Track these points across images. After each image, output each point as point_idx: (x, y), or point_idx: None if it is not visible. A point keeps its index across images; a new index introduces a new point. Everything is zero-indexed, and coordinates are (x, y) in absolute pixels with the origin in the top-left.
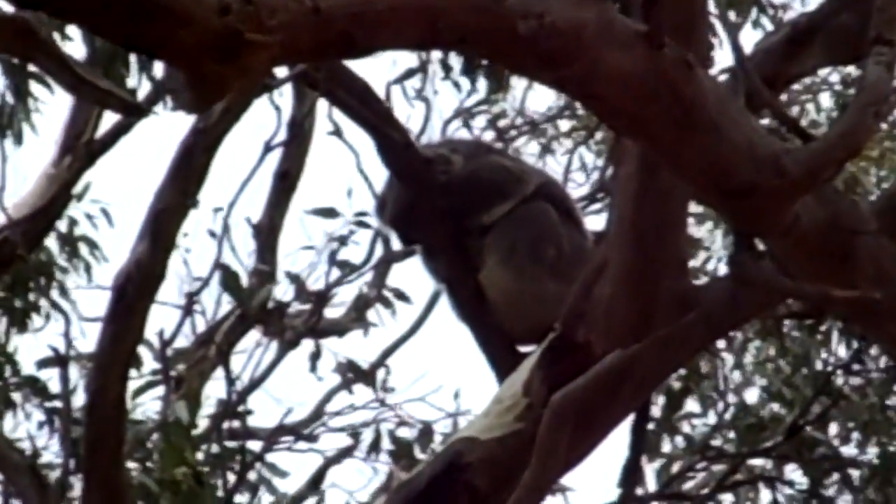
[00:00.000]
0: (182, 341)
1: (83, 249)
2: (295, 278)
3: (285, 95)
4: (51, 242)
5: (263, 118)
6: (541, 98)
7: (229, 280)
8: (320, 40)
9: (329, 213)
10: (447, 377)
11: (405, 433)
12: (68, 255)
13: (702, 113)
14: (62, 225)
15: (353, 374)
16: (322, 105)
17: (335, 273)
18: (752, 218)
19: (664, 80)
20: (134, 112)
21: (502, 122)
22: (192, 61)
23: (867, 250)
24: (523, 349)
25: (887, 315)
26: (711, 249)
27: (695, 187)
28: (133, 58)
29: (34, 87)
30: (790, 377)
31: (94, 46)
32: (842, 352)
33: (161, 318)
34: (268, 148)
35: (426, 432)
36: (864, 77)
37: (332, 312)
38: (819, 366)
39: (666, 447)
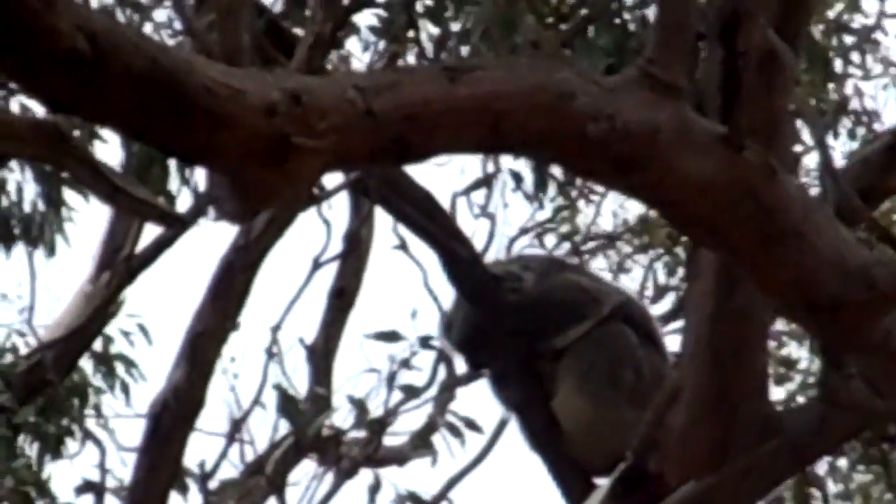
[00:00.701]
0: (231, 472)
1: (119, 369)
2: (357, 403)
3: (337, 207)
4: (85, 362)
5: (313, 232)
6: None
7: (287, 404)
8: (374, 145)
9: (391, 336)
10: None
11: None
12: (104, 374)
13: (786, 221)
14: (97, 343)
15: None
16: (383, 217)
17: (395, 398)
18: (840, 334)
19: (745, 185)
20: (173, 223)
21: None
22: (236, 167)
23: None
24: (598, 480)
25: None
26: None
27: (779, 302)
28: (173, 162)
29: (68, 194)
30: None
31: (130, 150)
32: None
33: (206, 449)
34: (317, 264)
35: None
36: None
37: (393, 440)
38: None
39: None
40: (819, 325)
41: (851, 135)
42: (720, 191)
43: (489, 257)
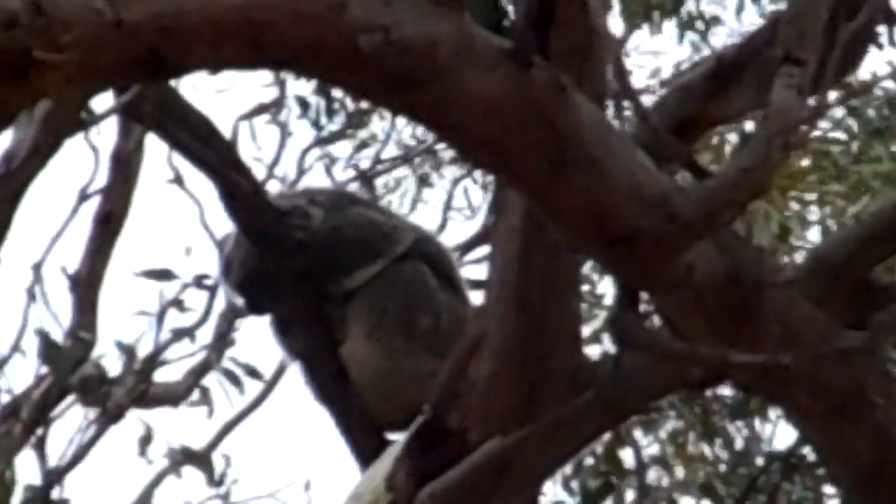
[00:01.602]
0: None
1: None
2: (125, 349)
3: (107, 133)
4: None
5: (80, 161)
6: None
7: (49, 350)
8: (124, 58)
9: (164, 275)
10: (299, 465)
11: None
12: None
13: (578, 146)
14: None
15: (188, 459)
16: (158, 147)
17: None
18: (638, 269)
19: (533, 106)
20: None
21: (368, 153)
22: None
23: (774, 307)
24: (392, 436)
25: (796, 381)
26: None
27: (572, 234)
28: None
29: None
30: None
31: None
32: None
33: None
34: (84, 196)
35: None
36: (769, 102)
37: (164, 381)
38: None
39: None
40: (615, 260)
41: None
42: (506, 112)
43: (273, 188)
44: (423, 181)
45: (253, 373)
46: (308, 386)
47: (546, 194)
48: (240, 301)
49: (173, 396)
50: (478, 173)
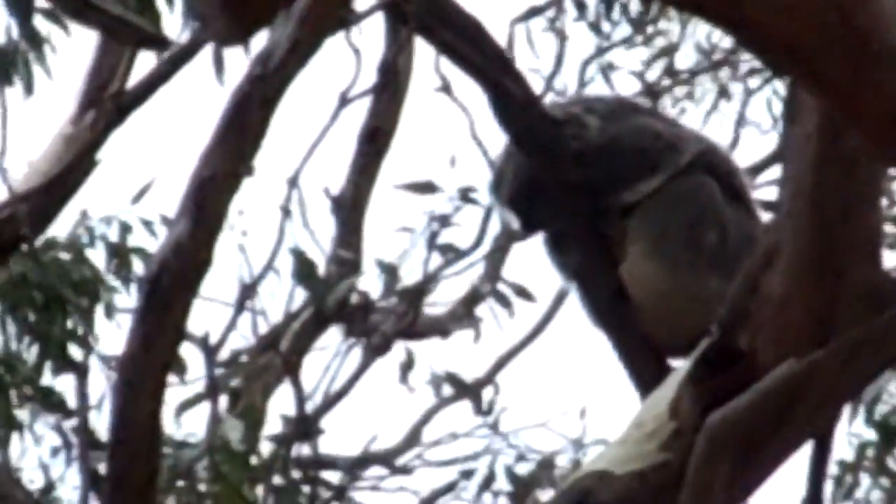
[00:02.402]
0: (242, 345)
1: (137, 264)
2: (387, 268)
3: (370, 34)
4: (95, 254)
5: (342, 63)
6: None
7: (303, 269)
8: None
9: (427, 188)
10: (574, 394)
11: (523, 468)
12: (117, 269)
13: (882, 42)
14: (112, 231)
15: (455, 389)
16: (424, 50)
17: (435, 262)
18: None
19: (834, 1)
20: (155, 44)
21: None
22: None
23: None
24: (674, 361)
25: None
26: None
27: (875, 141)
28: None
29: (43, 24)
30: None
31: None
32: None
33: (212, 319)
34: (344, 100)
35: (546, 465)
36: None
37: (432, 310)
38: None
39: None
40: None
41: None
42: (802, 6)
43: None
44: (722, 93)
45: (523, 293)
46: (584, 308)
47: (847, 97)
48: (511, 217)
49: (442, 327)
50: (779, 84)
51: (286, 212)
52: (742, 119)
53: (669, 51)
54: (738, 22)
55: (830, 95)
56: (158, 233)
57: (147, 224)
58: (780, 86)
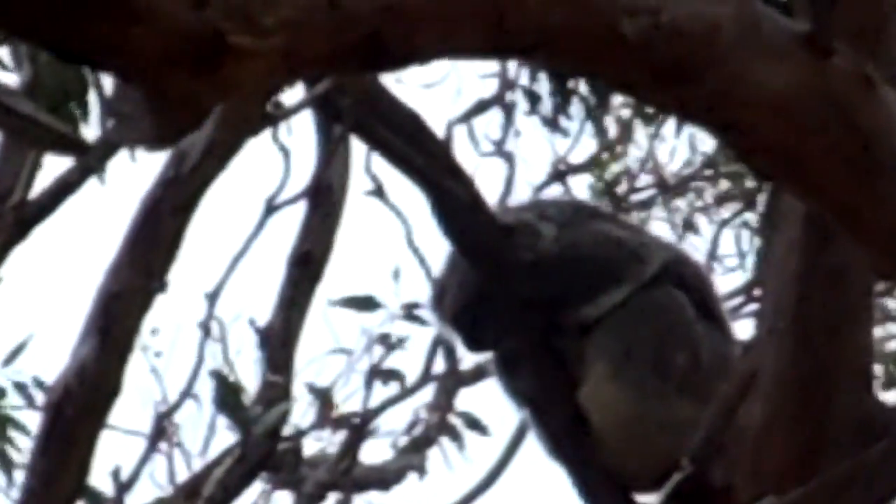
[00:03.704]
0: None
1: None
2: (320, 393)
3: (299, 131)
4: None
5: (267, 164)
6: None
7: (227, 395)
8: (339, 45)
9: (366, 304)
10: None
11: None
12: None
13: (886, 150)
14: None
15: None
16: (360, 156)
17: (377, 390)
18: None
19: (833, 102)
20: (73, 148)
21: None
22: (153, 74)
23: None
24: (640, 498)
25: None
26: None
27: (881, 256)
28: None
29: None
30: None
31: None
32: None
33: (122, 452)
34: (271, 207)
35: None
36: None
37: (373, 457)
38: None
39: None
40: None
41: None
42: (800, 109)
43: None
44: (688, 227)
45: (475, 425)
46: (539, 439)
47: (848, 207)
48: (454, 335)
49: (383, 476)
50: (750, 215)
51: (206, 331)
52: (714, 252)
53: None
54: (726, 124)
55: (827, 206)
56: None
57: (20, 388)
58: (750, 217)
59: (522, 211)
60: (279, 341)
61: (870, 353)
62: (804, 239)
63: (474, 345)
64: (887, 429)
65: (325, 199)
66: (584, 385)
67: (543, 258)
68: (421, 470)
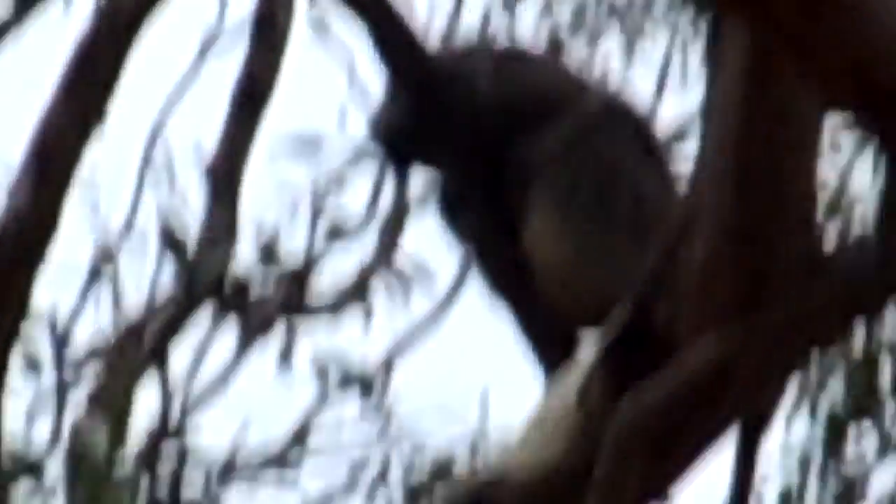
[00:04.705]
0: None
1: None
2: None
3: None
4: None
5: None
6: None
7: (170, 237)
8: None
9: (312, 144)
10: (472, 375)
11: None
12: None
13: None
14: None
15: (344, 379)
16: None
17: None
18: None
19: None
20: None
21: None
22: None
23: None
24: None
25: None
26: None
27: (829, 91)
28: None
29: None
30: None
31: None
32: None
33: (61, 295)
34: (212, 40)
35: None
36: None
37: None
38: None
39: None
40: (881, 124)
41: None
42: None
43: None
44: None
45: (421, 268)
46: (482, 279)
47: (798, 41)
48: (386, 155)
49: (331, 302)
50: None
51: (147, 164)
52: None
53: None
54: None
55: (779, 38)
56: None
57: None
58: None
59: (465, 50)
60: (223, 175)
61: (813, 194)
62: (747, 74)
63: (403, 161)
64: (827, 272)
65: (267, 32)
66: (528, 226)
67: (484, 97)
68: (365, 307)
